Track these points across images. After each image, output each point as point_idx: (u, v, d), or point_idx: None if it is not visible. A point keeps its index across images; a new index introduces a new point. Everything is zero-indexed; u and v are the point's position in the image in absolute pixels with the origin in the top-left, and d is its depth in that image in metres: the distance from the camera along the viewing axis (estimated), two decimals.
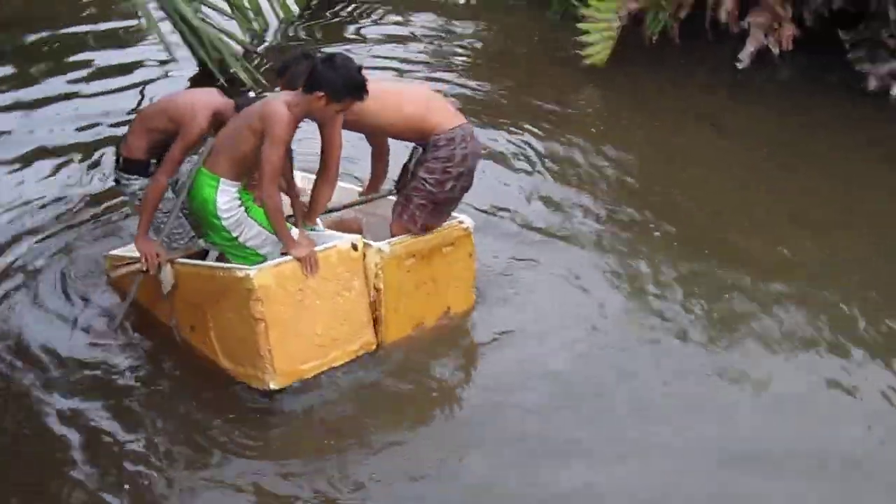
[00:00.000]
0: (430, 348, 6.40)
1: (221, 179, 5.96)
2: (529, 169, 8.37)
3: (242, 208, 6.04)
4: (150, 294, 6.35)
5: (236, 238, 6.07)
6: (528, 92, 9.63)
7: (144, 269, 6.10)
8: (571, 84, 9.82)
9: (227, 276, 5.88)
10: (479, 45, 10.81)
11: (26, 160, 8.32)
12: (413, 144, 6.30)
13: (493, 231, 7.48)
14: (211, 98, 6.24)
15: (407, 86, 6.55)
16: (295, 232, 6.06)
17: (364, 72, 5.85)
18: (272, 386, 5.86)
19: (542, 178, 8.27)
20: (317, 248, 5.96)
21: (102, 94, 9.52)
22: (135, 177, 6.29)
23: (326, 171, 6.15)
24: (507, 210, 7.78)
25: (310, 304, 5.96)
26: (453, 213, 6.54)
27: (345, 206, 6.67)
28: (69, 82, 9.76)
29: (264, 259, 6.13)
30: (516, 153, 8.57)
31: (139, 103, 8.74)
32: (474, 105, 9.28)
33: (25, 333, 6.36)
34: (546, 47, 10.54)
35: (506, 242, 7.41)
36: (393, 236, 6.41)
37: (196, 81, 9.59)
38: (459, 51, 10.58)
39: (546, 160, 8.48)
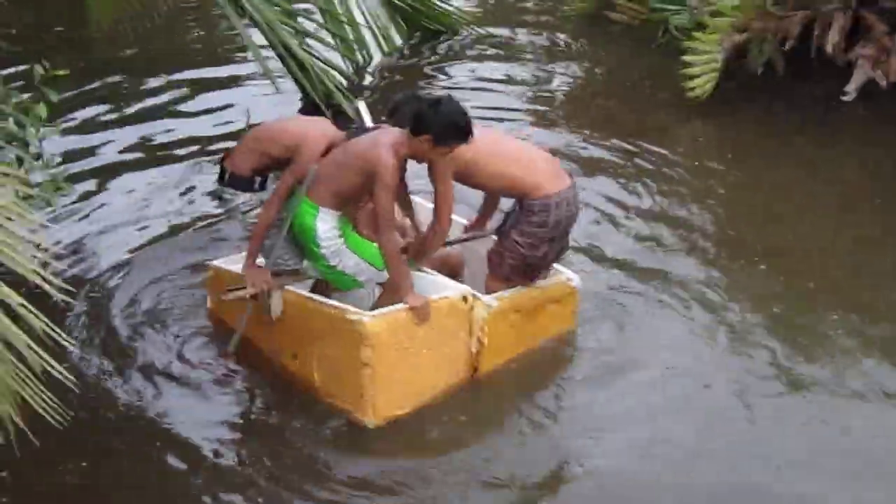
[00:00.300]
0: (526, 379, 6.37)
1: (321, 209, 6.04)
2: (631, 203, 8.29)
3: (341, 239, 6.11)
4: (250, 318, 6.41)
5: (335, 266, 6.15)
6: (630, 125, 9.57)
7: (253, 295, 6.18)
8: (675, 117, 9.74)
9: (339, 315, 5.91)
10: (581, 78, 10.79)
11: (135, 169, 8.65)
12: None
13: (596, 262, 7.46)
14: (324, 130, 6.32)
15: (510, 143, 6.46)
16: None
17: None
18: (369, 426, 5.91)
19: (644, 212, 8.18)
20: (430, 298, 6.00)
21: (206, 113, 9.81)
22: (238, 192, 6.39)
23: (438, 221, 6.14)
24: (609, 243, 7.72)
25: (416, 353, 6.01)
26: (561, 269, 6.53)
27: (448, 243, 6.70)
28: (177, 101, 10.06)
29: (362, 286, 6.22)
30: (618, 187, 8.52)
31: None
32: (576, 139, 9.27)
33: (128, 354, 6.51)
34: (649, 81, 10.47)
35: (607, 275, 7.34)
36: (487, 288, 6.44)
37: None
38: (562, 85, 10.58)
39: (648, 194, 8.41)
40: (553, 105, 10.18)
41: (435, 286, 6.23)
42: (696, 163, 9.03)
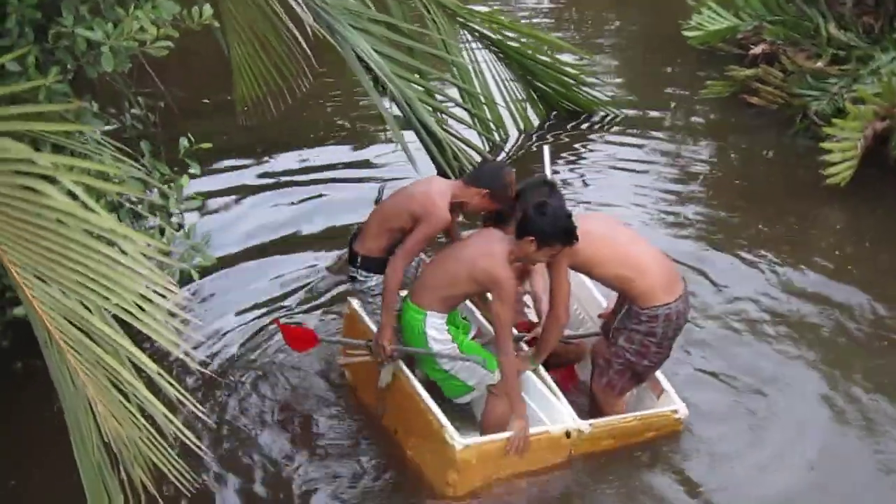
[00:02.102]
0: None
1: (428, 312, 6.13)
2: (768, 291, 8.19)
3: (454, 344, 6.16)
4: (364, 377, 6.66)
5: (447, 371, 6.21)
6: (766, 212, 9.46)
7: (374, 359, 6.35)
8: (812, 205, 9.61)
9: (437, 428, 6.00)
10: (715, 164, 10.71)
11: (273, 245, 8.88)
12: None
13: (727, 352, 7.38)
14: (442, 184, 6.41)
15: (630, 243, 6.39)
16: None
17: (602, 216, 6.04)
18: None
19: (781, 302, 8.08)
20: (536, 432, 6.05)
21: (343, 190, 9.96)
22: (371, 274, 6.48)
23: (553, 312, 6.17)
24: (745, 330, 7.64)
25: (502, 472, 6.09)
26: (671, 394, 6.47)
27: (565, 341, 6.69)
28: (315, 176, 10.27)
29: (472, 389, 6.26)
30: (754, 275, 8.42)
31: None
32: (709, 226, 9.21)
33: (260, 425, 6.69)
34: (786, 166, 10.36)
35: (738, 369, 7.25)
36: (592, 392, 6.45)
37: None
38: (695, 170, 10.50)
39: (785, 285, 8.29)
40: (688, 188, 10.10)
41: (542, 405, 6.28)
42: (836, 251, 8.88)
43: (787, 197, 9.79)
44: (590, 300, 7.01)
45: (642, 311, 6.10)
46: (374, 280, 6.44)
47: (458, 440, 5.88)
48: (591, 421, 6.23)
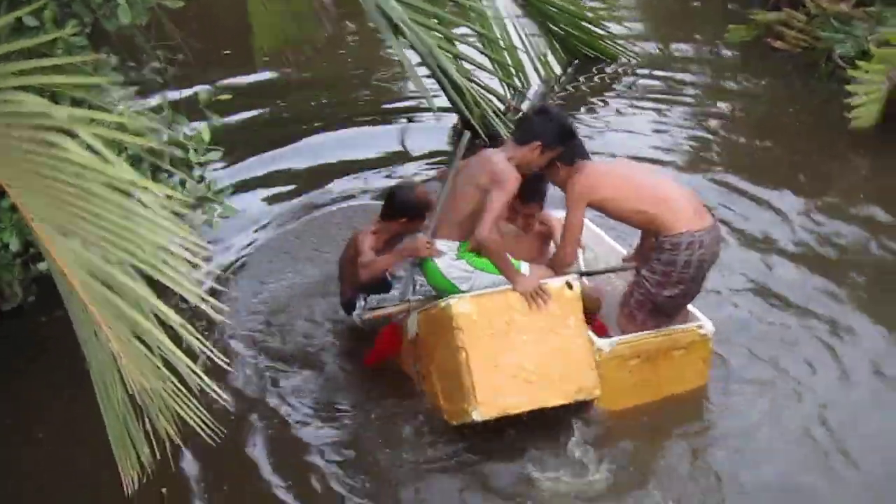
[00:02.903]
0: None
1: (437, 241, 6.13)
2: (793, 238, 8.12)
3: (470, 266, 6.15)
4: (396, 344, 6.61)
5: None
6: (792, 156, 9.42)
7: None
8: (839, 147, 9.52)
9: (439, 309, 6.00)
10: (739, 109, 10.61)
11: (294, 195, 8.91)
12: None
13: (745, 304, 7.29)
14: (493, 153, 6.26)
15: (649, 178, 6.39)
16: (525, 267, 6.13)
17: (621, 159, 6.08)
18: (476, 417, 5.82)
19: (807, 248, 8.01)
20: (540, 283, 5.98)
21: (365, 145, 9.95)
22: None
23: (561, 251, 6.22)
24: (763, 286, 7.54)
25: (517, 339, 5.94)
26: (696, 313, 6.33)
27: (584, 274, 6.63)
28: (336, 128, 10.28)
29: None
30: (778, 222, 8.35)
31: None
32: (732, 170, 9.14)
33: (279, 376, 6.70)
34: (812, 110, 10.27)
35: (755, 320, 7.14)
36: (617, 323, 6.39)
37: (458, 135, 9.84)
38: (719, 114, 10.43)
39: (810, 231, 8.21)
40: (712, 132, 10.05)
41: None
42: (861, 194, 8.79)
43: (812, 140, 9.72)
44: (609, 251, 6.96)
45: (665, 238, 6.07)
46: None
47: (451, 298, 5.91)
48: (615, 339, 6.17)
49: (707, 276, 6.29)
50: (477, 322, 5.88)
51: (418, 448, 6.06)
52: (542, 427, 6.01)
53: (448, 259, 6.15)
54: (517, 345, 5.95)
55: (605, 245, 7.02)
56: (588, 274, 6.66)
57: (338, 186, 9.12)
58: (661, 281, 6.12)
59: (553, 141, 6.04)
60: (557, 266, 6.24)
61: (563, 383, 5.98)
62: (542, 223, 6.77)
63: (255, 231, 8.37)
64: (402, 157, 9.77)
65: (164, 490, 5.43)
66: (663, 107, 10.59)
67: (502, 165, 5.98)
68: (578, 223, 6.14)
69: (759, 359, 6.71)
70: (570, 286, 6.04)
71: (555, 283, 6.03)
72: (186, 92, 6.85)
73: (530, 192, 6.49)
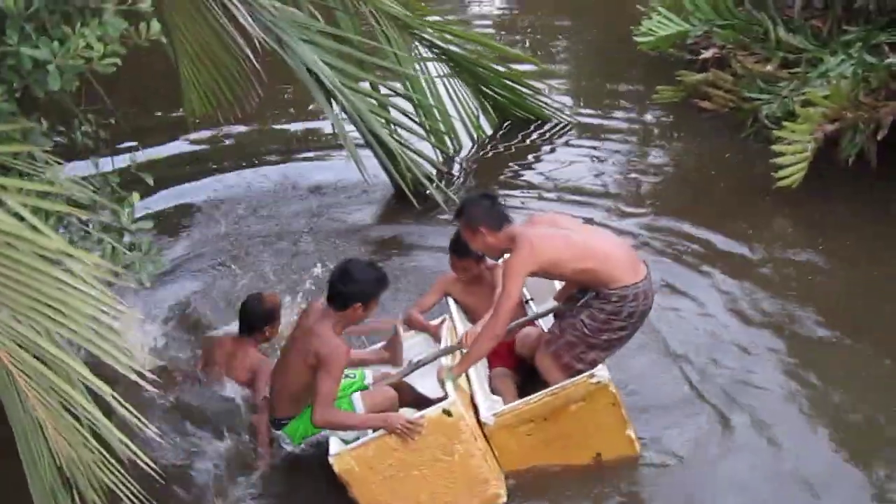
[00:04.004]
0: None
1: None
2: (721, 300, 8.17)
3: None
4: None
5: None
6: (719, 215, 9.50)
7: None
8: (764, 207, 9.65)
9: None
10: (667, 170, 10.73)
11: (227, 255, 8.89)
12: None
13: (672, 374, 7.27)
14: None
15: (589, 235, 6.46)
16: (369, 379, 6.45)
17: (554, 216, 6.44)
18: None
19: (735, 307, 8.06)
20: (407, 417, 5.94)
21: (297, 199, 10.01)
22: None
23: (492, 323, 6.13)
24: (696, 339, 7.61)
25: (408, 476, 5.95)
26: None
27: (517, 325, 6.69)
28: (266, 186, 10.31)
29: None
30: (708, 285, 8.42)
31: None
32: (660, 233, 9.22)
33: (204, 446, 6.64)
34: (738, 169, 10.40)
35: (686, 390, 7.11)
36: (538, 367, 6.39)
37: (389, 203, 9.91)
38: (650, 172, 10.55)
39: (739, 290, 8.28)
40: (641, 191, 10.15)
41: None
42: (789, 251, 8.92)
43: (739, 200, 9.84)
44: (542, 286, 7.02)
45: (611, 292, 6.12)
46: None
47: (332, 453, 5.90)
48: (496, 410, 6.17)
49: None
50: (361, 473, 5.90)
51: None
52: None
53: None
54: (410, 481, 5.97)
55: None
56: (519, 325, 6.70)
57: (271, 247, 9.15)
58: (601, 328, 6.19)
59: (373, 294, 6.14)
60: (486, 337, 6.16)
61: (467, 501, 6.04)
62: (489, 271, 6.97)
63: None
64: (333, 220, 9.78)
65: None
66: (594, 166, 10.69)
67: (328, 345, 5.99)
68: (515, 295, 6.07)
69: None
70: (448, 413, 5.92)
71: (431, 413, 5.94)
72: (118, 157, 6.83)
73: (461, 248, 6.63)
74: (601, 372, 6.09)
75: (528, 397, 6.17)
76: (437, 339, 6.86)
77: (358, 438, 6.04)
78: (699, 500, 6.15)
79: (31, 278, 3.61)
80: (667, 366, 7.28)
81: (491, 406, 6.32)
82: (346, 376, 6.34)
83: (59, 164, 5.15)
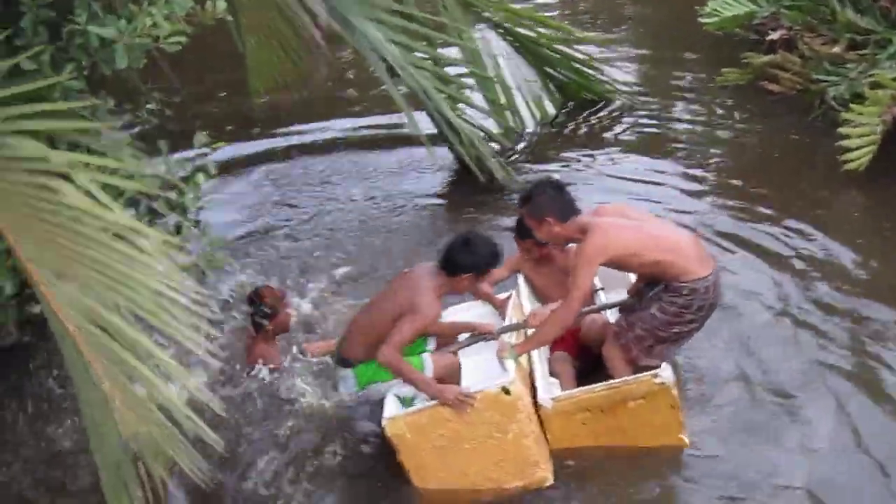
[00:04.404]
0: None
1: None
2: (784, 284, 8.05)
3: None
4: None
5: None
6: (784, 197, 9.39)
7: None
8: (830, 190, 9.53)
9: None
10: (733, 152, 10.61)
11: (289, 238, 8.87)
12: None
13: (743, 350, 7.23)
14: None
15: (661, 228, 6.41)
16: (429, 363, 6.33)
17: (622, 206, 6.45)
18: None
19: (801, 291, 7.96)
20: (465, 391, 5.98)
21: (363, 179, 9.99)
22: None
23: (563, 309, 6.13)
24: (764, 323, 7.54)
25: (458, 447, 6.01)
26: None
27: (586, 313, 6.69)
28: (334, 168, 10.28)
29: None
30: (771, 268, 8.32)
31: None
32: (726, 216, 9.13)
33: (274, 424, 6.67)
34: (805, 152, 10.27)
35: (754, 369, 7.07)
36: (604, 358, 6.38)
37: (454, 179, 9.90)
38: (713, 158, 10.43)
39: (802, 274, 8.18)
40: (705, 173, 10.06)
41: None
42: (859, 239, 8.79)
43: (805, 182, 9.71)
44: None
45: (682, 285, 6.10)
46: None
47: (385, 416, 5.98)
48: (555, 395, 6.20)
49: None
50: (412, 440, 5.96)
51: None
52: None
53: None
54: (459, 454, 6.03)
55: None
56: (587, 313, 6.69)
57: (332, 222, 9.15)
58: (672, 321, 6.17)
59: (486, 267, 6.31)
60: (554, 324, 6.19)
61: (510, 482, 6.09)
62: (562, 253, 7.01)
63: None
64: (400, 197, 9.78)
65: None
66: (657, 149, 10.59)
67: (425, 298, 6.13)
68: (586, 286, 6.09)
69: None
70: (506, 391, 5.92)
71: (491, 389, 5.96)
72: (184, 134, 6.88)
73: (521, 230, 6.76)
74: (665, 373, 6.06)
75: (590, 387, 6.17)
76: (502, 313, 6.87)
77: (414, 401, 6.15)
78: (745, 492, 6.07)
79: (99, 253, 3.66)
80: (725, 353, 7.20)
81: (549, 389, 6.35)
82: None
83: (128, 143, 5.20)
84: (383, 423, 5.95)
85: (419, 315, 6.06)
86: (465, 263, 6.22)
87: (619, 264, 6.22)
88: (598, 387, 6.14)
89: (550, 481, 6.06)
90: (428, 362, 6.34)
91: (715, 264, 6.28)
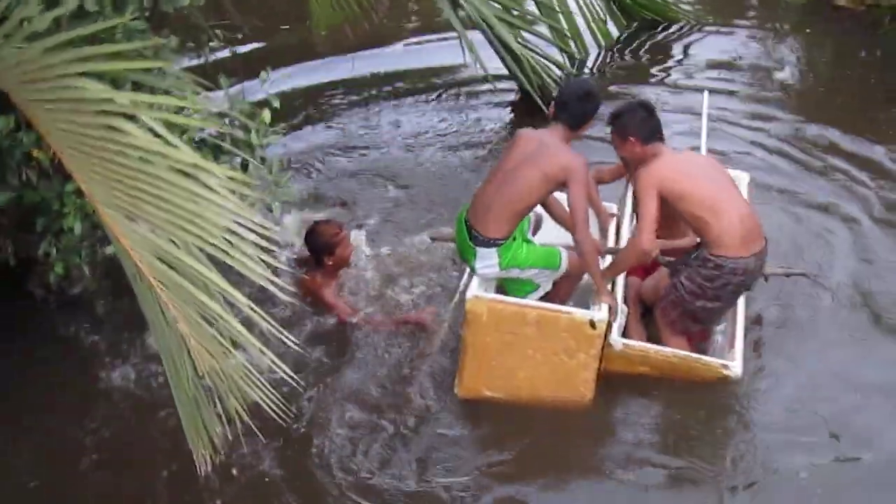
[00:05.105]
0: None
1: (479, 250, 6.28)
2: (857, 215, 7.97)
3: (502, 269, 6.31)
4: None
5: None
6: (855, 121, 9.20)
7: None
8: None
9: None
10: (803, 68, 10.43)
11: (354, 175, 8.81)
12: None
13: (805, 291, 7.15)
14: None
15: (714, 184, 6.18)
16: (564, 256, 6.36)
17: (704, 159, 6.42)
18: (456, 392, 6.26)
19: (873, 226, 7.86)
20: (556, 308, 6.08)
21: (426, 112, 9.94)
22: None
23: (638, 238, 6.05)
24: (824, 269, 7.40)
25: (521, 350, 6.10)
26: (737, 346, 6.27)
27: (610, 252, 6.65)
28: (397, 101, 10.22)
29: (538, 287, 6.42)
30: (838, 188, 8.24)
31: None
32: (793, 138, 9.00)
33: (345, 359, 6.71)
34: (874, 69, 10.05)
35: (813, 309, 7.04)
36: (657, 316, 6.42)
37: (516, 106, 9.81)
38: (783, 76, 10.24)
39: (868, 197, 8.10)
40: (770, 93, 9.89)
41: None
42: None
43: (872, 100, 9.52)
44: None
45: (710, 257, 6.01)
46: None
47: (469, 293, 6.08)
48: (626, 341, 6.24)
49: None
50: (485, 322, 6.05)
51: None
52: None
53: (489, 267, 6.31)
54: (519, 354, 6.11)
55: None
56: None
57: (391, 155, 9.13)
58: (697, 293, 6.12)
59: (646, 134, 6.14)
60: (632, 252, 6.14)
61: (550, 395, 6.20)
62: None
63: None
64: (460, 128, 9.70)
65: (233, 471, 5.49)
66: (722, 68, 10.43)
67: (575, 158, 6.05)
68: (653, 210, 5.98)
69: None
70: (592, 325, 6.00)
71: (578, 316, 6.02)
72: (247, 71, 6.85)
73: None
74: (736, 367, 6.16)
75: (663, 349, 6.25)
76: (605, 232, 6.90)
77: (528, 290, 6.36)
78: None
79: (167, 191, 3.67)
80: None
81: (620, 325, 6.36)
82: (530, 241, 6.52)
83: (191, 81, 5.18)
84: (467, 296, 6.05)
85: (579, 178, 6.00)
86: (590, 110, 6.20)
87: (669, 201, 6.06)
88: (670, 352, 6.22)
89: (588, 402, 6.18)
90: (564, 255, 6.40)
91: (759, 247, 6.11)
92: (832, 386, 6.38)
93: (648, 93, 9.83)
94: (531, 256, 6.33)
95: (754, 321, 6.80)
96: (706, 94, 7.29)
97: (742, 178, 7.08)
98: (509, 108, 9.92)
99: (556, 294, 6.54)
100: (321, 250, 6.84)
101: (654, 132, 6.18)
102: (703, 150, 7.12)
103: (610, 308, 6.07)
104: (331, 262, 6.86)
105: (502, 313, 6.05)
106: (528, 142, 6.23)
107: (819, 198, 8.16)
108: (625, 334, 6.42)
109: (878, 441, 5.97)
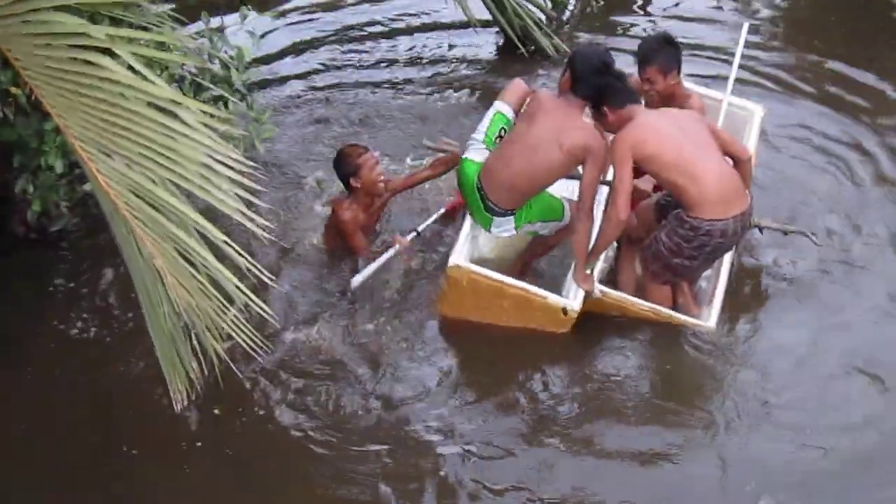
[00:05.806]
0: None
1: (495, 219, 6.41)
2: (846, 157, 7.97)
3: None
4: None
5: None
6: (840, 61, 9.18)
7: None
8: (889, 48, 9.31)
9: None
10: (784, 9, 10.37)
11: (334, 114, 8.73)
12: None
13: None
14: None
15: (690, 147, 6.01)
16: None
17: (687, 115, 6.26)
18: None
19: (855, 174, 7.84)
20: (533, 291, 6.18)
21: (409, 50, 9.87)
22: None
23: (612, 210, 6.04)
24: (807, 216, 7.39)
25: (494, 314, 6.32)
26: (715, 306, 6.39)
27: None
28: (376, 41, 10.09)
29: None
30: (833, 137, 8.20)
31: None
32: (778, 79, 8.95)
33: (326, 294, 6.73)
34: (860, 10, 10.00)
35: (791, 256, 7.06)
36: (640, 264, 6.49)
37: (499, 50, 9.74)
38: (765, 17, 10.20)
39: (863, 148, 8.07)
40: (761, 25, 9.86)
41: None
42: None
43: (860, 43, 9.48)
44: None
45: (686, 218, 5.98)
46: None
47: (453, 257, 6.21)
48: (605, 289, 6.33)
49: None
50: (464, 287, 6.25)
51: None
52: None
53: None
54: (493, 316, 6.34)
55: None
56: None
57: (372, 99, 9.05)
58: (674, 250, 6.10)
59: (621, 102, 6.09)
60: (612, 226, 6.08)
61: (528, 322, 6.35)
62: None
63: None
64: (441, 73, 9.64)
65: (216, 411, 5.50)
66: (714, 10, 10.37)
67: (599, 138, 6.09)
68: (628, 178, 5.94)
69: None
70: (564, 312, 6.18)
71: (552, 300, 6.18)
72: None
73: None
74: (710, 325, 6.32)
75: (641, 302, 6.33)
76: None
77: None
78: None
79: (144, 127, 3.66)
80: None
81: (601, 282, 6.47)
82: None
83: (170, 16, 5.14)
84: (450, 262, 6.17)
85: (597, 160, 6.04)
86: (610, 87, 6.08)
87: (645, 165, 6.03)
88: (647, 306, 6.33)
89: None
90: (567, 206, 6.46)
91: (739, 209, 6.03)
92: (820, 342, 6.49)
93: (625, 38, 9.74)
94: (537, 210, 6.38)
95: (745, 274, 6.90)
96: (746, 25, 7.12)
97: (756, 110, 7.11)
98: (494, 54, 9.86)
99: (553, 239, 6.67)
100: (347, 173, 6.79)
101: (626, 96, 6.11)
102: (730, 85, 7.05)
103: (585, 295, 6.17)
104: (358, 185, 6.79)
105: (480, 284, 6.20)
106: (548, 114, 6.15)
107: (831, 131, 8.22)
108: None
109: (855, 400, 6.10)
